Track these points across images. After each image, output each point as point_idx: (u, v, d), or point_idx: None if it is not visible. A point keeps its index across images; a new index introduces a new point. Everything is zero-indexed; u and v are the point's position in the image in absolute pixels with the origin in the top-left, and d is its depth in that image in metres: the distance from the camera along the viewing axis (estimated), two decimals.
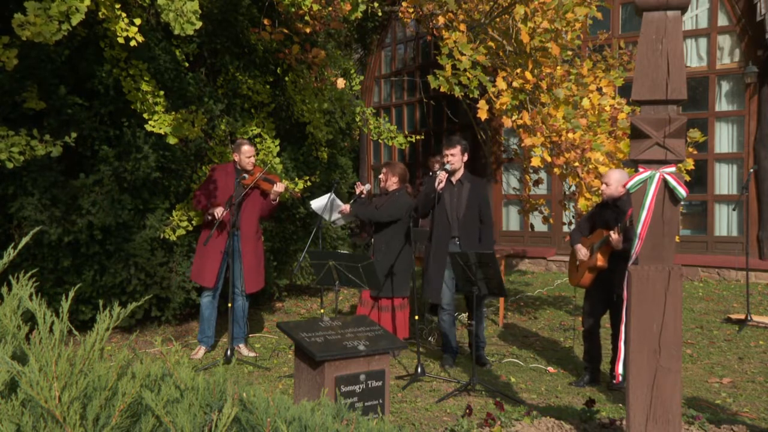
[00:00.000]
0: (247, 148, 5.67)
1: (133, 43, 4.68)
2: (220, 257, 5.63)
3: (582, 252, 4.98)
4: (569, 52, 6.12)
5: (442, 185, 5.30)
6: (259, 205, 5.77)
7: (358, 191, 5.88)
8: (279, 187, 5.68)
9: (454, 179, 5.43)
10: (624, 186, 3.06)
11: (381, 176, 5.98)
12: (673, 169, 2.65)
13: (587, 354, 5.06)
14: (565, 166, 5.63)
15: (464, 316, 6.92)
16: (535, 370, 5.44)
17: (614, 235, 4.69)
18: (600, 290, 4.92)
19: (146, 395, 1.65)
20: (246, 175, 5.64)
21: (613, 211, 4.85)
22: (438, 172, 5.34)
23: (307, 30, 6.13)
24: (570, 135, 5.38)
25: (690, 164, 6.14)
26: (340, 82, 6.39)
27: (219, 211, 5.45)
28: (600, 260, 4.85)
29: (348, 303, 8.12)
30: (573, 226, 5.38)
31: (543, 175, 7.63)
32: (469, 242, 5.33)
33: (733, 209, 8.51)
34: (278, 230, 7.79)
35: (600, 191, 5.19)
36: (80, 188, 5.95)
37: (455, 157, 5.38)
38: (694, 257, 9.15)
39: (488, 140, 9.96)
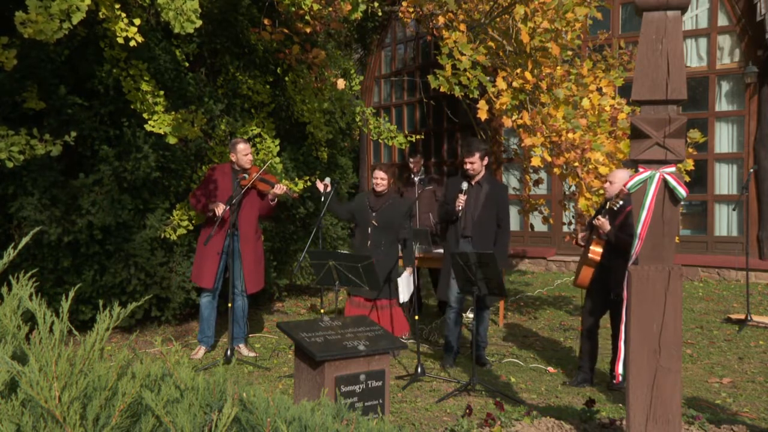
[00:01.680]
0: (242, 147, 5.66)
1: (132, 43, 4.68)
2: (218, 258, 5.62)
3: (580, 236, 5.01)
4: (569, 52, 6.12)
5: (461, 206, 5.35)
6: (258, 205, 5.77)
7: (322, 189, 5.66)
8: (278, 189, 5.66)
9: (473, 181, 5.47)
10: (624, 185, 3.06)
11: (380, 181, 5.81)
12: (673, 169, 2.65)
13: (584, 354, 5.05)
14: (565, 166, 5.63)
15: (466, 315, 6.92)
16: (535, 370, 5.44)
17: (596, 221, 4.71)
18: (600, 290, 4.93)
19: (146, 395, 1.65)
20: (246, 175, 5.64)
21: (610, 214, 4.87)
22: (459, 195, 5.36)
23: (307, 30, 6.12)
24: (570, 135, 5.38)
25: (690, 164, 6.14)
26: (340, 83, 6.39)
27: (220, 209, 5.44)
28: (592, 252, 4.86)
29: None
30: (573, 227, 5.41)
31: (543, 175, 7.63)
32: (483, 243, 5.35)
33: (733, 209, 8.52)
34: (278, 230, 7.79)
35: (601, 190, 5.18)
36: (80, 188, 5.95)
37: (475, 165, 5.44)
38: (694, 257, 9.15)
39: (488, 140, 9.96)
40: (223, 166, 5.84)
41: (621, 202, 4.71)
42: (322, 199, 5.63)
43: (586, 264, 4.94)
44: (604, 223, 4.73)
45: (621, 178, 4.82)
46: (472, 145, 5.53)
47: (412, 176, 7.73)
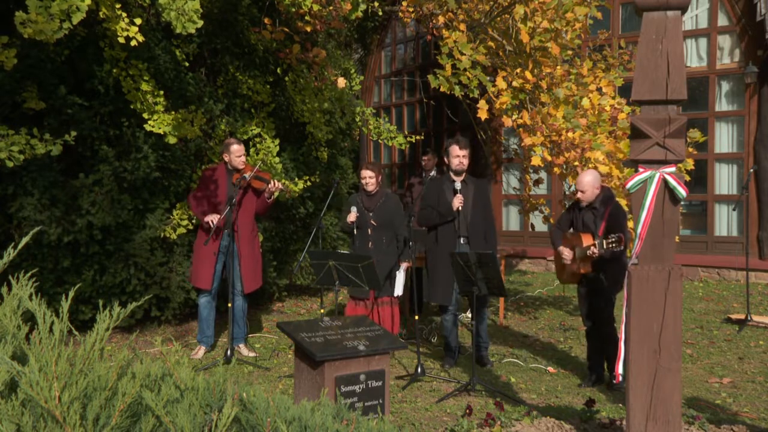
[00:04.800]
0: (236, 148, 5.67)
1: (133, 42, 4.68)
2: (214, 259, 5.63)
3: (566, 253, 4.96)
4: (569, 52, 6.12)
5: (461, 206, 5.32)
6: (254, 204, 5.77)
7: (351, 221, 5.72)
8: (273, 186, 5.66)
9: (459, 180, 5.44)
10: (625, 185, 3.06)
11: (368, 180, 5.75)
12: (673, 169, 2.65)
13: (592, 353, 5.04)
14: (565, 166, 5.63)
15: (465, 315, 6.92)
16: (535, 370, 5.44)
17: (594, 251, 4.68)
18: (594, 290, 4.93)
19: (146, 395, 1.65)
20: (246, 175, 5.64)
21: (591, 214, 4.87)
22: (454, 198, 5.33)
23: (308, 29, 6.12)
24: (570, 134, 5.38)
25: (690, 164, 6.14)
26: (341, 81, 6.38)
27: (214, 219, 5.45)
28: (584, 269, 4.86)
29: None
30: (554, 227, 5.36)
31: (543, 174, 7.63)
32: (477, 241, 5.34)
33: (733, 209, 8.51)
34: (278, 230, 7.79)
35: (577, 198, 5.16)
36: (80, 188, 5.95)
37: (467, 159, 5.43)
38: (694, 257, 9.14)
39: (488, 140, 9.95)
40: (217, 167, 5.83)
41: (598, 251, 4.66)
42: (354, 225, 5.70)
43: (573, 274, 4.94)
44: (597, 254, 4.70)
45: (590, 183, 4.81)
46: (463, 140, 5.51)
47: (425, 174, 7.79)
